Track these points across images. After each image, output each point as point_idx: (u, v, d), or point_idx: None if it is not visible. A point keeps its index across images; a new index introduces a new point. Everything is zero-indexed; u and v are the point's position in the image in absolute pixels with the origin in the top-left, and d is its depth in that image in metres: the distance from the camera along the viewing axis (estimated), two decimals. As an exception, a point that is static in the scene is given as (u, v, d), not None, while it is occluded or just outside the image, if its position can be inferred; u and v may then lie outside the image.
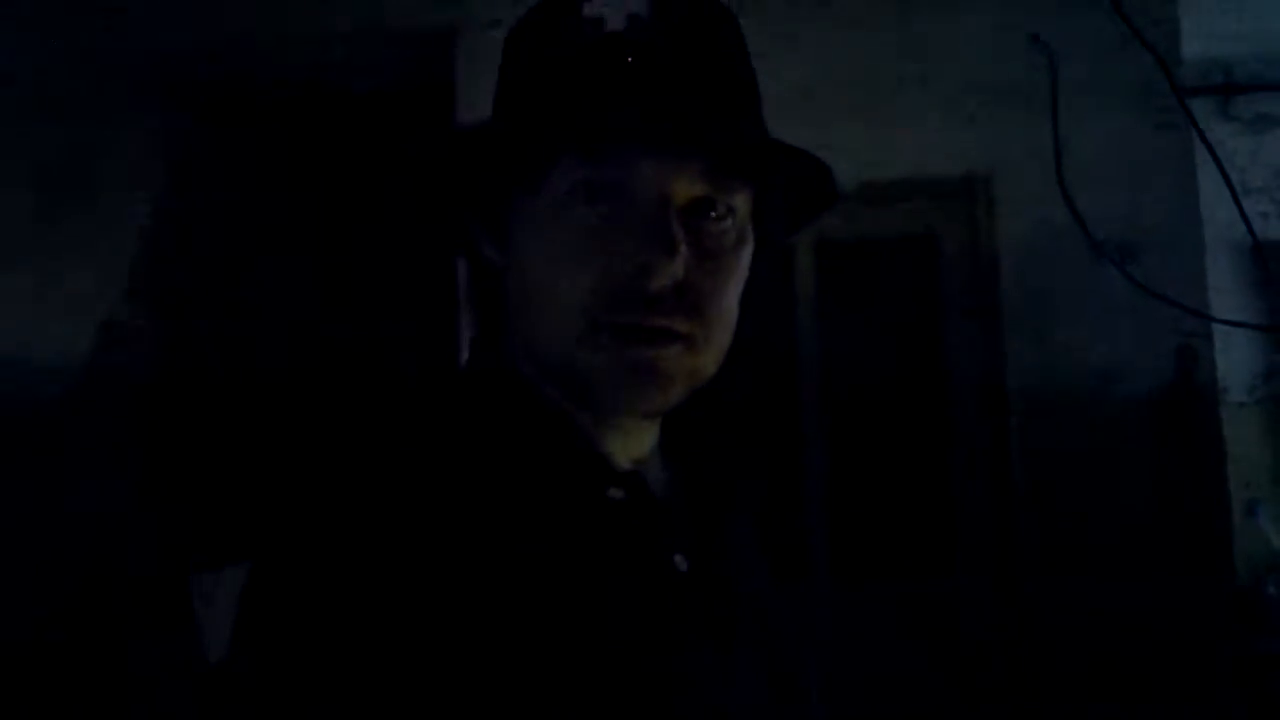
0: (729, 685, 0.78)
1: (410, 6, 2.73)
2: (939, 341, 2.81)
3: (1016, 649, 2.67)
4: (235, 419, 2.64)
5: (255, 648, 0.68)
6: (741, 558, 0.89)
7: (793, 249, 2.82)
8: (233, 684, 0.68)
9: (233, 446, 2.59)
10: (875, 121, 2.76)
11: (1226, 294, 3.08)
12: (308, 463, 0.74)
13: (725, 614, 0.81)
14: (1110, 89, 2.73)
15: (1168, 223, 2.74)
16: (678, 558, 0.78)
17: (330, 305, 2.78)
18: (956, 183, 2.79)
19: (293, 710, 0.65)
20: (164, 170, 2.92)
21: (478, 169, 0.79)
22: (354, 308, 2.70)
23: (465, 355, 0.84)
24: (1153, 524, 2.66)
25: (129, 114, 2.93)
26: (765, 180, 0.78)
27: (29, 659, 2.43)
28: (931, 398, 2.81)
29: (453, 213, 0.83)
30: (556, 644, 0.69)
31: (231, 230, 2.94)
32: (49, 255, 2.84)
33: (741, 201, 0.77)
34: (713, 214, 0.75)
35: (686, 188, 0.73)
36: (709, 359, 0.77)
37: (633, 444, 0.82)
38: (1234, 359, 3.23)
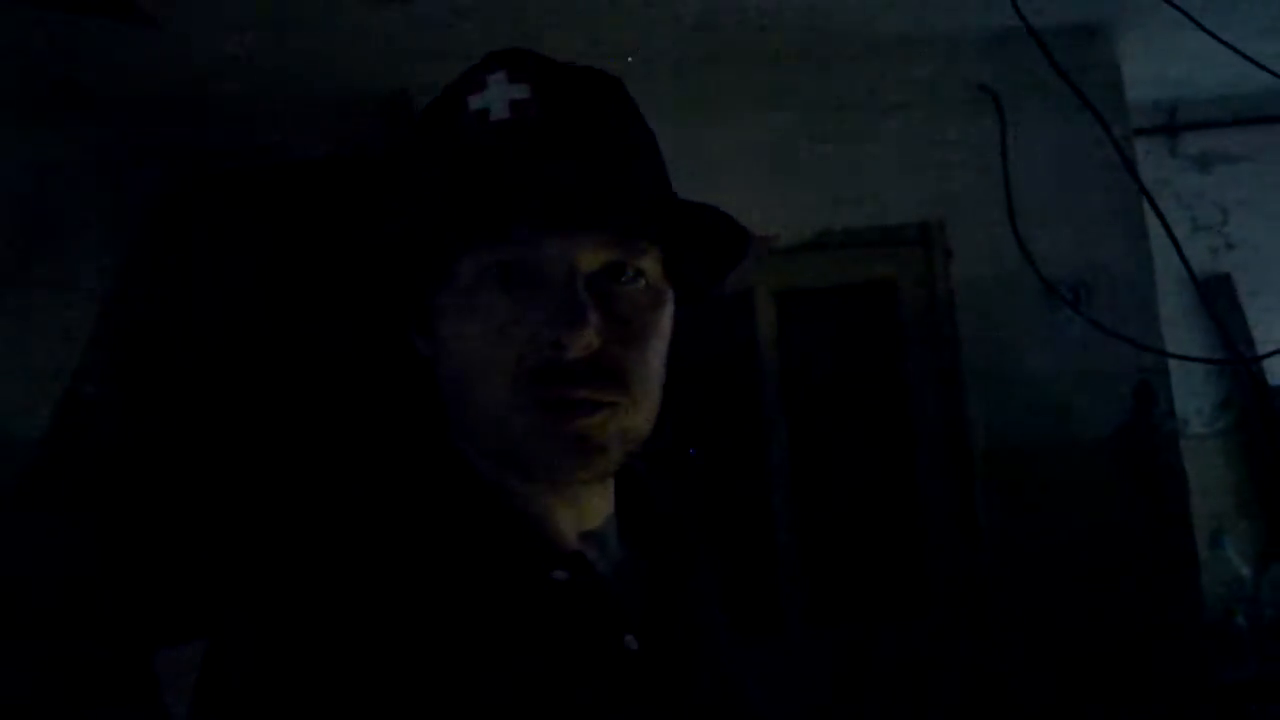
0: None
1: (364, 71, 2.75)
2: (901, 385, 2.83)
3: (988, 687, 2.68)
4: (196, 492, 2.62)
5: None
6: (700, 625, 0.89)
7: (753, 297, 2.85)
8: None
9: (193, 520, 2.57)
10: (832, 172, 2.81)
11: (1181, 328, 3.13)
12: (259, 545, 0.75)
13: (678, 691, 0.81)
14: (1058, 133, 2.79)
15: (1119, 262, 2.79)
16: (628, 637, 0.78)
17: (294, 375, 2.77)
18: (913, 230, 2.83)
19: None
20: (127, 241, 2.92)
21: (391, 269, 0.81)
22: (319, 377, 2.69)
23: (407, 439, 0.85)
24: (1119, 559, 2.68)
25: (92, 182, 2.93)
26: (672, 238, 0.79)
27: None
28: (895, 441, 2.83)
29: (378, 310, 0.84)
30: None
31: (194, 300, 2.94)
32: (11, 323, 2.82)
33: (651, 262, 0.78)
34: (623, 279, 0.76)
35: (592, 257, 0.75)
36: (639, 420, 0.78)
37: (584, 513, 0.83)
38: (1192, 392, 3.27)
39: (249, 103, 2.90)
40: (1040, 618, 2.66)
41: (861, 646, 2.72)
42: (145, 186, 3.01)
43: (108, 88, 2.77)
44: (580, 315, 0.72)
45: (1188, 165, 3.44)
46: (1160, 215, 1.95)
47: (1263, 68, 2.04)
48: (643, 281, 0.78)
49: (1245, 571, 3.20)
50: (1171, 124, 3.40)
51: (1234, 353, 3.22)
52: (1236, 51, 2.04)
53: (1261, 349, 3.22)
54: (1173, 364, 2.79)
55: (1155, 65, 3.02)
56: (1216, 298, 3.32)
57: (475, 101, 0.77)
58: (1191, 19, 2.05)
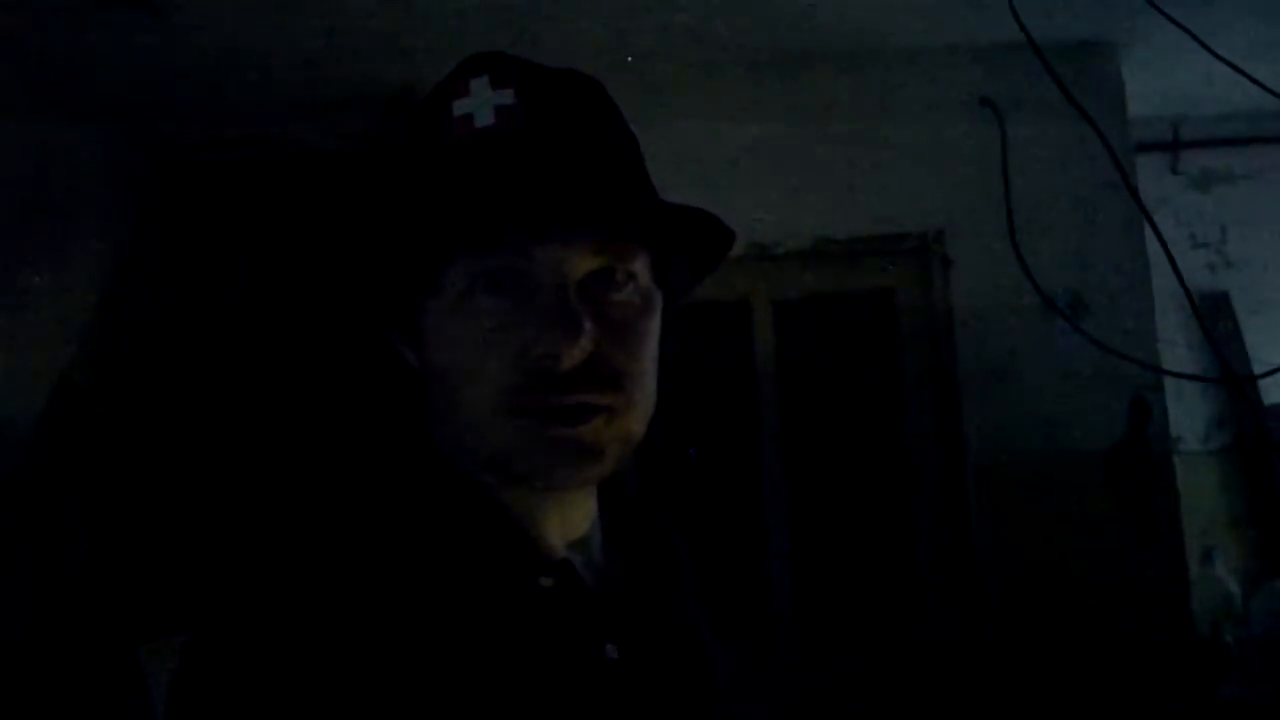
0: None
1: (369, 65, 2.75)
2: (896, 395, 2.83)
3: (978, 700, 2.67)
4: (183, 485, 2.62)
5: None
6: (682, 635, 0.89)
7: (751, 305, 2.84)
8: None
9: (180, 513, 2.56)
10: (831, 181, 2.81)
11: (1178, 345, 3.14)
12: (242, 543, 0.75)
13: (657, 701, 0.81)
14: (1059, 147, 2.79)
15: (1117, 277, 2.80)
16: (609, 646, 0.78)
17: (289, 368, 2.76)
18: (912, 240, 2.83)
19: None
20: (124, 229, 2.91)
21: (379, 277, 0.81)
22: (309, 378, 2.69)
23: (394, 443, 0.85)
24: (1110, 574, 2.68)
25: (92, 172, 2.92)
26: (660, 240, 0.80)
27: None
28: (889, 451, 2.83)
29: (366, 319, 0.84)
30: None
31: (191, 293, 2.93)
32: (9, 313, 2.82)
33: (641, 266, 0.78)
34: (613, 283, 0.77)
35: (582, 263, 0.75)
36: (634, 424, 0.78)
37: (570, 520, 0.83)
38: (1187, 409, 3.27)
39: (253, 96, 2.89)
40: (1031, 631, 2.66)
41: (852, 659, 2.72)
42: (146, 177, 3.01)
43: (110, 79, 2.77)
44: (574, 325, 0.72)
45: (1188, 183, 3.44)
46: (1157, 232, 1.95)
47: (1265, 88, 2.04)
48: (633, 285, 0.78)
49: (1235, 590, 3.20)
50: (1173, 141, 3.40)
51: (1230, 371, 3.22)
52: (1239, 71, 2.04)
53: (1258, 368, 3.21)
54: (1168, 381, 2.80)
55: (1158, 82, 3.02)
56: (1214, 316, 3.32)
57: (460, 107, 0.77)
58: (1195, 37, 2.05)
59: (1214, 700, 2.80)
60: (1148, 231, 2.74)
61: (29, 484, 2.65)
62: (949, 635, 2.72)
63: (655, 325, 0.80)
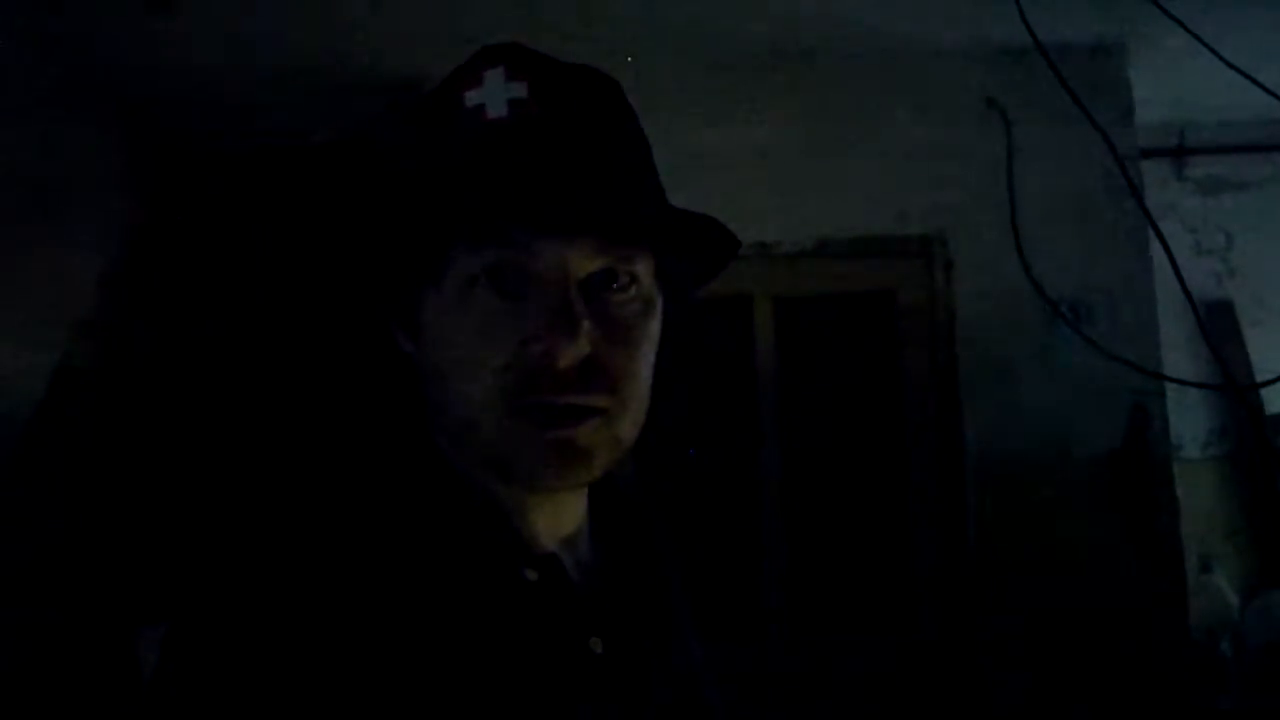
0: None
1: (374, 57, 2.75)
2: (896, 397, 2.82)
3: (971, 704, 2.67)
4: (178, 472, 2.62)
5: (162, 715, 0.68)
6: (667, 631, 0.89)
7: (751, 305, 2.84)
8: None
9: (174, 500, 2.56)
10: (834, 181, 2.80)
11: (1180, 352, 3.12)
12: (227, 532, 0.75)
13: (640, 695, 0.81)
14: (1064, 152, 2.78)
15: (1121, 282, 2.79)
16: (594, 640, 0.78)
17: (287, 357, 2.76)
18: (914, 242, 2.82)
19: None
20: (129, 219, 2.91)
21: (381, 265, 0.80)
22: (312, 360, 2.68)
23: (384, 432, 0.85)
24: (1108, 581, 2.67)
25: (96, 163, 2.92)
26: (664, 244, 0.79)
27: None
28: (888, 452, 2.82)
29: (362, 306, 0.84)
30: None
31: (194, 283, 2.93)
32: (9, 296, 2.81)
33: (643, 269, 0.78)
34: (615, 285, 0.76)
35: (585, 263, 0.75)
36: (627, 428, 0.78)
37: (560, 518, 0.83)
38: (1187, 416, 3.26)
39: (258, 87, 2.89)
40: (1026, 636, 2.65)
41: (847, 659, 2.71)
42: (150, 168, 3.01)
43: (115, 70, 2.77)
44: (573, 324, 0.72)
45: (1194, 189, 3.43)
46: (1161, 238, 1.94)
47: (1273, 94, 2.03)
48: (635, 289, 0.78)
49: (1233, 599, 3.19)
50: (1180, 147, 3.39)
51: (1232, 379, 3.21)
52: (1247, 77, 2.03)
53: (1260, 377, 3.21)
54: (1170, 387, 2.79)
55: (1166, 88, 3.01)
56: (1217, 323, 3.31)
57: (472, 97, 0.77)
58: (1203, 42, 2.04)
59: (1211, 711, 2.79)
60: (1152, 237, 2.73)
61: (28, 473, 2.65)
62: (945, 638, 2.72)
63: (655, 329, 0.80)
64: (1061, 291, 2.76)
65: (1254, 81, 2.02)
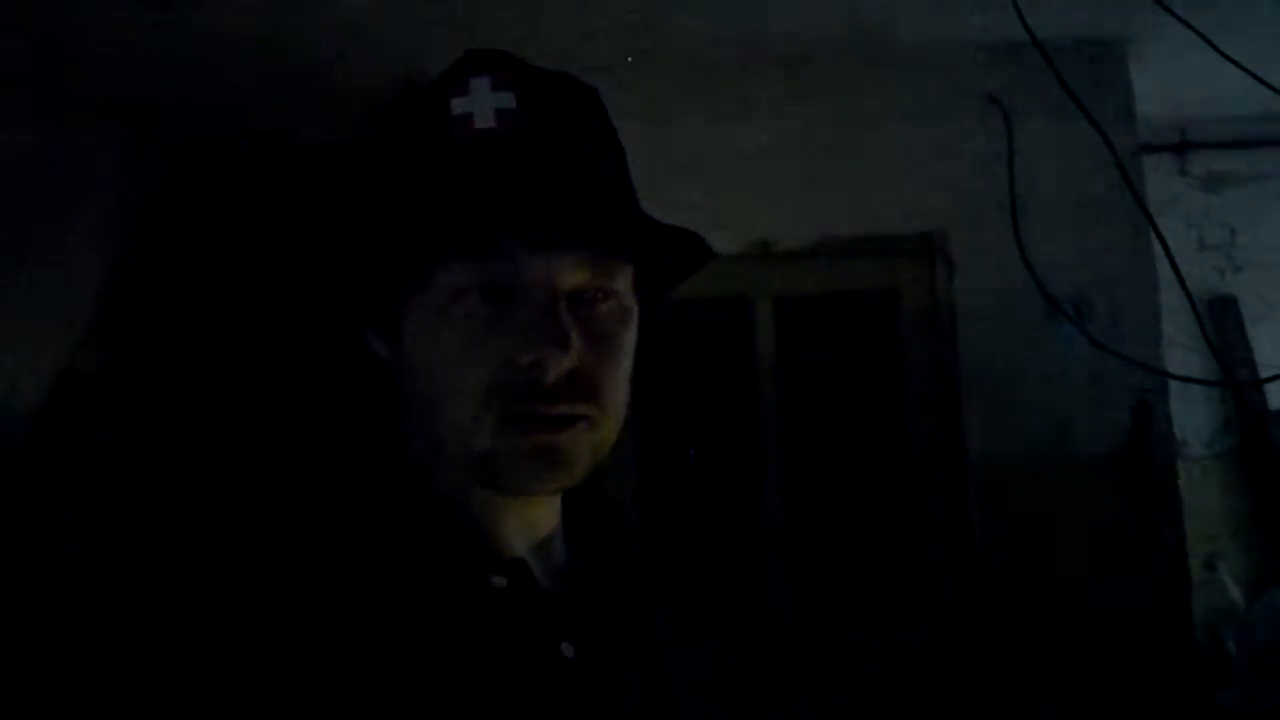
0: None
1: (369, 60, 2.74)
2: (898, 395, 2.82)
3: (976, 701, 2.66)
4: (186, 474, 2.62)
5: None
6: (639, 637, 0.90)
7: (752, 302, 2.83)
8: None
9: (179, 502, 2.56)
10: (835, 179, 2.79)
11: (1183, 349, 3.11)
12: (199, 539, 0.76)
13: (611, 700, 0.81)
14: (1065, 148, 2.77)
15: (1123, 279, 2.78)
16: (564, 645, 0.79)
17: (288, 360, 2.76)
18: (915, 240, 2.81)
19: None
20: (129, 221, 2.91)
21: (364, 269, 0.80)
22: (291, 363, 2.69)
23: (355, 439, 0.85)
24: (1112, 578, 2.67)
25: (95, 167, 2.92)
26: (645, 257, 0.81)
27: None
28: (891, 451, 2.82)
29: (338, 308, 0.84)
30: None
31: (195, 281, 2.93)
32: (13, 306, 2.81)
33: (622, 281, 0.79)
34: (598, 296, 0.77)
35: (572, 277, 0.75)
36: (608, 433, 0.79)
37: (532, 523, 0.83)
38: (1191, 413, 3.26)
39: (256, 89, 2.89)
40: (1031, 633, 2.65)
41: (850, 658, 2.71)
42: (150, 170, 3.00)
43: (114, 72, 2.76)
44: (564, 339, 0.73)
45: (1196, 184, 3.43)
46: (1160, 235, 1.93)
47: (1275, 90, 2.02)
48: (615, 299, 0.78)
49: (1238, 596, 3.18)
50: (1182, 142, 3.38)
51: (1234, 376, 3.20)
52: (1248, 72, 2.02)
53: (1264, 373, 3.20)
54: (1173, 385, 2.78)
55: (1167, 84, 3.00)
56: (1221, 319, 3.30)
57: (459, 105, 0.76)
58: (1204, 38, 2.03)
59: (1214, 706, 2.79)
60: (1154, 233, 2.72)
61: (29, 479, 2.65)
62: (948, 635, 2.71)
63: (632, 337, 0.81)
64: (1064, 289, 2.76)
65: (1256, 77, 2.02)
